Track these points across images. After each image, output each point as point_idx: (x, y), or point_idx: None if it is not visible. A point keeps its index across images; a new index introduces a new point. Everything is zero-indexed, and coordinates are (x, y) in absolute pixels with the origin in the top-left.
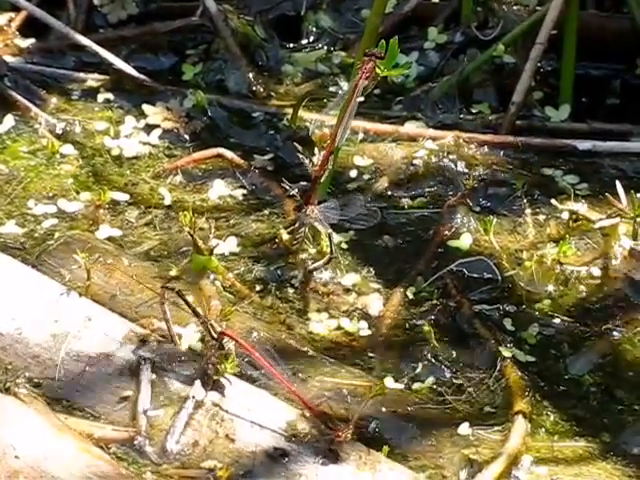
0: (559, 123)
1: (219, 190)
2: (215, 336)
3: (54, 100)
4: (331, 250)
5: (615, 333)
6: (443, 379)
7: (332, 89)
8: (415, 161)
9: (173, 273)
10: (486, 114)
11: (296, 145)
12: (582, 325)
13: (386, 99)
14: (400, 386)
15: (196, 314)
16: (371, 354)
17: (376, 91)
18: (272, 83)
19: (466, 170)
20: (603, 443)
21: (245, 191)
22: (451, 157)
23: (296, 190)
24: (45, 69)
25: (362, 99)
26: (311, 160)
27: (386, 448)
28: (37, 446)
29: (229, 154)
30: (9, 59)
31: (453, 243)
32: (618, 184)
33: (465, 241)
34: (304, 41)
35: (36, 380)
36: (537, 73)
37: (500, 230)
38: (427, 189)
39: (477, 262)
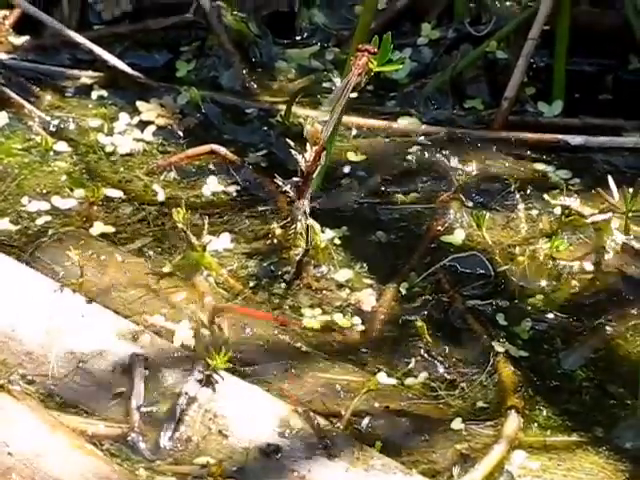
0: (552, 118)
1: (213, 186)
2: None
3: (48, 97)
4: (307, 242)
5: (608, 328)
6: (436, 374)
7: (325, 85)
8: (408, 157)
9: (166, 269)
10: (479, 109)
11: (289, 141)
12: (575, 320)
13: (379, 95)
14: (393, 381)
15: None
16: (364, 350)
17: (369, 87)
18: (266, 79)
19: (459, 165)
20: (596, 438)
21: (239, 187)
22: (444, 152)
23: (289, 186)
24: (39, 66)
25: (355, 95)
26: (304, 156)
27: (379, 443)
28: (30, 443)
29: (222, 150)
30: (3, 56)
31: (446, 238)
32: (610, 179)
33: (458, 236)
34: (298, 37)
35: (30, 377)
36: (530, 69)
37: (493, 225)
38: (420, 185)
39: (470, 257)
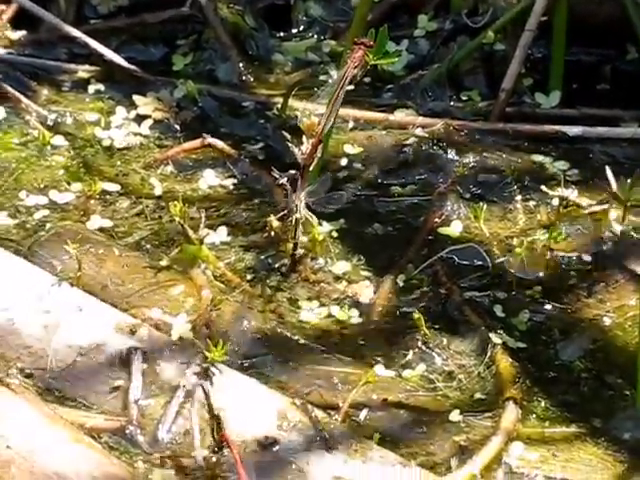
0: (549, 109)
1: (209, 180)
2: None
3: (45, 92)
4: (295, 234)
5: (605, 319)
6: (434, 366)
7: (322, 78)
8: (405, 149)
9: (164, 263)
10: (476, 101)
11: (285, 134)
12: (572, 311)
13: (376, 87)
14: (391, 373)
15: None
16: (362, 342)
17: (366, 79)
18: (262, 72)
19: (456, 157)
20: (594, 429)
21: (235, 180)
22: (441, 144)
23: (285, 179)
24: (36, 61)
25: (352, 87)
26: (300, 149)
27: (377, 436)
28: (29, 436)
29: (219, 144)
30: (0, 51)
31: (443, 230)
32: (608, 170)
33: (455, 228)
34: (294, 30)
35: (28, 371)
36: (527, 60)
37: (490, 217)
38: (417, 177)
39: (467, 249)
